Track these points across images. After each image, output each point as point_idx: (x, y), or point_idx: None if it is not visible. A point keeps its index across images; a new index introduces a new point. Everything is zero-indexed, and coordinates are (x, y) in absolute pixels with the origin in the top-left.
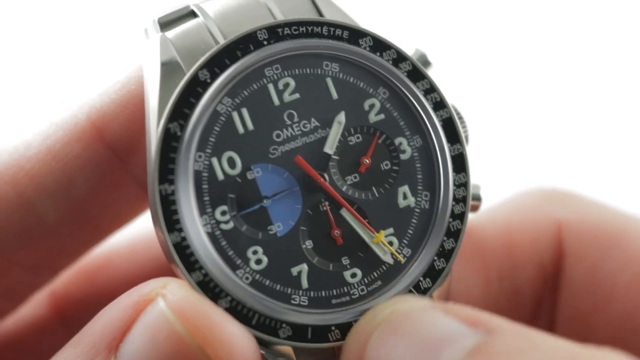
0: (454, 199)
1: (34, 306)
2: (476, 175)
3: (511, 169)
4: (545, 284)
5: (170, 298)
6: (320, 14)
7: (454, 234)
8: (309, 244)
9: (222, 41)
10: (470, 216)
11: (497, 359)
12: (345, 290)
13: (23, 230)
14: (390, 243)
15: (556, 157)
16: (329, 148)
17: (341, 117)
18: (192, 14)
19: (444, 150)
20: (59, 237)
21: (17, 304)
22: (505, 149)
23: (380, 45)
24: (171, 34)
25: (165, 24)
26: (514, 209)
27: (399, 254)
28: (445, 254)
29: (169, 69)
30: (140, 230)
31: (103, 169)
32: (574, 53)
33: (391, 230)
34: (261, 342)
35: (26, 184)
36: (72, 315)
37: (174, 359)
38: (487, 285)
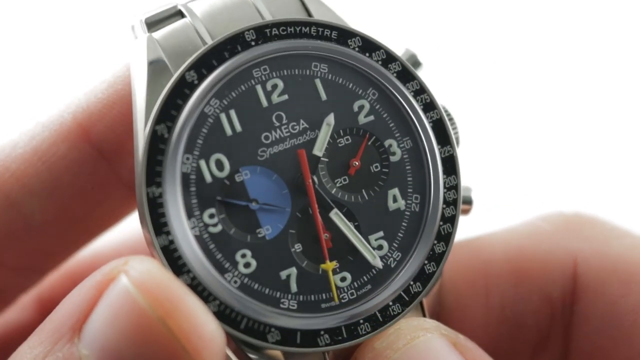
0: (445, 201)
1: (20, 310)
2: (469, 178)
3: (509, 172)
4: (552, 318)
5: (132, 273)
6: (309, 14)
7: (445, 238)
8: (298, 247)
9: (209, 41)
10: (482, 235)
11: None
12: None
13: (9, 232)
14: (380, 247)
15: (553, 157)
16: (318, 150)
17: (330, 118)
18: (180, 14)
19: (434, 152)
20: (46, 238)
21: (3, 306)
22: (500, 150)
23: (369, 46)
24: (158, 34)
25: (153, 24)
26: (528, 234)
27: (344, 293)
28: (436, 258)
29: (156, 69)
30: (125, 232)
31: (89, 170)
32: (570, 50)
33: (381, 233)
34: (250, 346)
35: (12, 185)
36: None
37: (136, 332)
38: (488, 311)
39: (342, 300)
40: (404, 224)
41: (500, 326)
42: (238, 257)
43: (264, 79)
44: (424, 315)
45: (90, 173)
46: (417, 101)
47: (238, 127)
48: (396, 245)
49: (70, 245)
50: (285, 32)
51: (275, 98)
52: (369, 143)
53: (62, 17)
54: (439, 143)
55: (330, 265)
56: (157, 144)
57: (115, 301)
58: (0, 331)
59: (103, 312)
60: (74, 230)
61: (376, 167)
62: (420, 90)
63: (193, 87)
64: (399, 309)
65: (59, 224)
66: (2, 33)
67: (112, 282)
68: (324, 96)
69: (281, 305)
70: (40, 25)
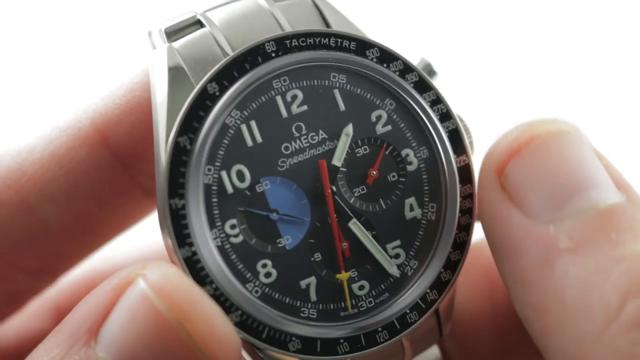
0: (460, 210)
1: (39, 321)
2: None
3: None
4: None
5: (150, 277)
6: (327, 23)
7: (460, 246)
8: (317, 256)
9: (229, 51)
10: (483, 236)
11: (626, 222)
12: (354, 302)
13: (26, 235)
14: (397, 255)
15: None
16: (337, 160)
17: (349, 129)
18: (199, 23)
19: (451, 161)
20: (62, 242)
21: (17, 309)
22: None
23: (387, 57)
24: (178, 44)
25: (172, 33)
26: None
27: (355, 303)
28: (452, 266)
29: (176, 76)
30: (145, 243)
31: (106, 175)
32: (583, 61)
33: (398, 242)
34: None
35: (29, 189)
36: None
37: (154, 335)
38: (494, 308)
39: (361, 309)
40: (420, 232)
41: (507, 323)
42: (259, 267)
43: (283, 90)
44: (439, 320)
45: (107, 178)
46: (434, 111)
47: (259, 138)
48: (413, 254)
49: (85, 248)
50: (304, 44)
51: (295, 109)
52: (387, 153)
53: (80, 20)
54: (454, 152)
55: (345, 275)
56: (180, 155)
57: (133, 304)
58: (17, 340)
59: (120, 315)
60: (89, 234)
61: (393, 176)
62: (437, 101)
63: (215, 99)
64: (416, 317)
65: (75, 228)
66: (19, 36)
67: (129, 286)
68: (342, 107)
69: (301, 314)
70: (58, 28)
